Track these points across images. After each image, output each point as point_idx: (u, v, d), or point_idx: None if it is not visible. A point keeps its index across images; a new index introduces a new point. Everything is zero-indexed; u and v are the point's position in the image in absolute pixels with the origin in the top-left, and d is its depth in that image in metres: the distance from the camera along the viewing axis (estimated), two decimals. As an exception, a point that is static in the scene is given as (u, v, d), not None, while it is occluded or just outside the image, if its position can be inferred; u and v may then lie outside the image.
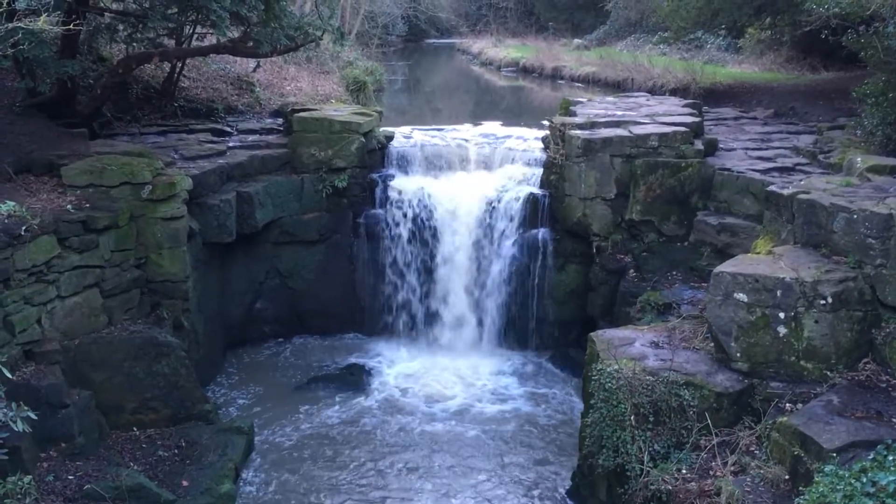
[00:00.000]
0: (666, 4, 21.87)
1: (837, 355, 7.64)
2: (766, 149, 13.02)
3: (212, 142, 13.34)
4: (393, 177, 13.60)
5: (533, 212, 12.83)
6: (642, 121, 12.76)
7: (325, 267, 13.49)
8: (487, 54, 43.42)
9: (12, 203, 8.96)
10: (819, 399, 7.28)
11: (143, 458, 9.28)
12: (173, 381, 9.94)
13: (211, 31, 13.80)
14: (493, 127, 15.84)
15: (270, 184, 12.76)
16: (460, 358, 13.07)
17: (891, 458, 5.98)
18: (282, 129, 14.74)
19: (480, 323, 13.38)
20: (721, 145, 13.02)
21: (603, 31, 39.95)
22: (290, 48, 13.74)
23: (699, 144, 12.10)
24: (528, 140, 14.05)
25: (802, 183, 9.32)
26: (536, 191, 12.88)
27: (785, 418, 7.05)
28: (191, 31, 14.61)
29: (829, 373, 7.58)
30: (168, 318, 10.70)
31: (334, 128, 13.21)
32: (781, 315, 7.67)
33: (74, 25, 9.75)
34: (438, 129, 15.24)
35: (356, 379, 12.28)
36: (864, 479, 5.80)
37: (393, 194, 13.40)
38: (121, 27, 13.54)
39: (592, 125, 12.57)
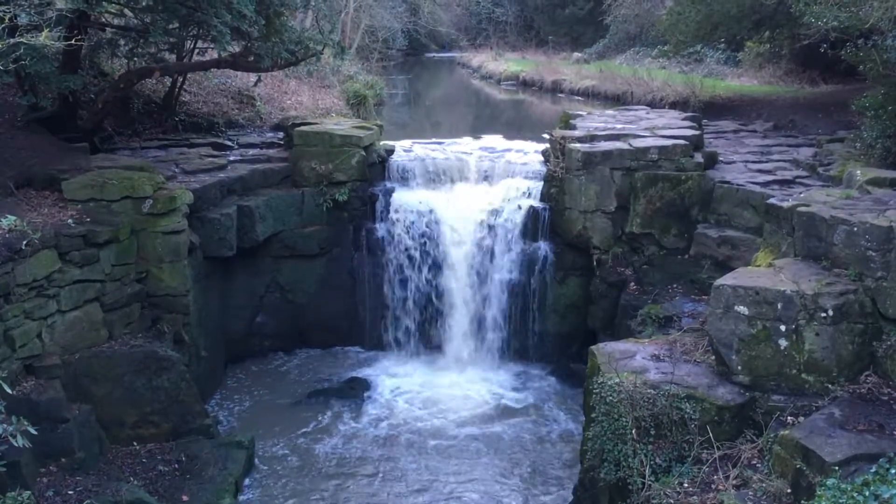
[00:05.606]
0: (665, 18, 21.97)
1: (839, 368, 7.62)
2: (766, 161, 13.04)
3: (212, 156, 13.39)
4: (393, 190, 13.62)
5: (533, 225, 12.85)
6: (642, 134, 12.79)
7: (325, 280, 13.49)
8: (487, 68, 43.58)
9: (13, 217, 8.99)
10: (821, 412, 7.26)
11: (143, 472, 9.25)
12: (174, 396, 9.94)
13: (212, 46, 13.87)
14: (493, 140, 15.85)
15: (271, 197, 12.79)
16: (461, 371, 13.06)
17: (893, 471, 5.96)
18: (282, 143, 14.78)
19: (481, 336, 13.36)
20: (721, 158, 13.05)
21: (602, 45, 40.11)
22: (291, 62, 13.81)
23: (699, 157, 12.13)
24: (529, 153, 14.07)
25: (802, 195, 9.32)
26: (537, 204, 12.90)
27: (787, 431, 7.02)
28: (192, 45, 14.70)
29: (830, 386, 7.56)
30: (169, 332, 10.69)
31: (335, 141, 13.25)
32: (782, 328, 7.66)
33: (76, 41, 9.80)
34: (439, 143, 15.27)
35: (357, 392, 12.27)
36: (867, 493, 5.78)
37: (393, 207, 13.41)
38: (122, 42, 13.61)
39: (592, 138, 12.60)
